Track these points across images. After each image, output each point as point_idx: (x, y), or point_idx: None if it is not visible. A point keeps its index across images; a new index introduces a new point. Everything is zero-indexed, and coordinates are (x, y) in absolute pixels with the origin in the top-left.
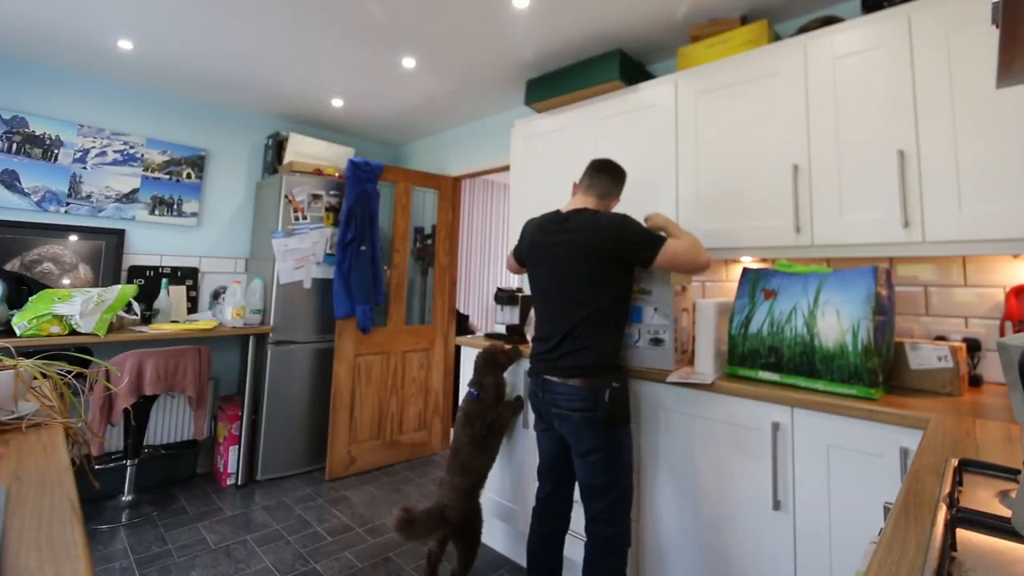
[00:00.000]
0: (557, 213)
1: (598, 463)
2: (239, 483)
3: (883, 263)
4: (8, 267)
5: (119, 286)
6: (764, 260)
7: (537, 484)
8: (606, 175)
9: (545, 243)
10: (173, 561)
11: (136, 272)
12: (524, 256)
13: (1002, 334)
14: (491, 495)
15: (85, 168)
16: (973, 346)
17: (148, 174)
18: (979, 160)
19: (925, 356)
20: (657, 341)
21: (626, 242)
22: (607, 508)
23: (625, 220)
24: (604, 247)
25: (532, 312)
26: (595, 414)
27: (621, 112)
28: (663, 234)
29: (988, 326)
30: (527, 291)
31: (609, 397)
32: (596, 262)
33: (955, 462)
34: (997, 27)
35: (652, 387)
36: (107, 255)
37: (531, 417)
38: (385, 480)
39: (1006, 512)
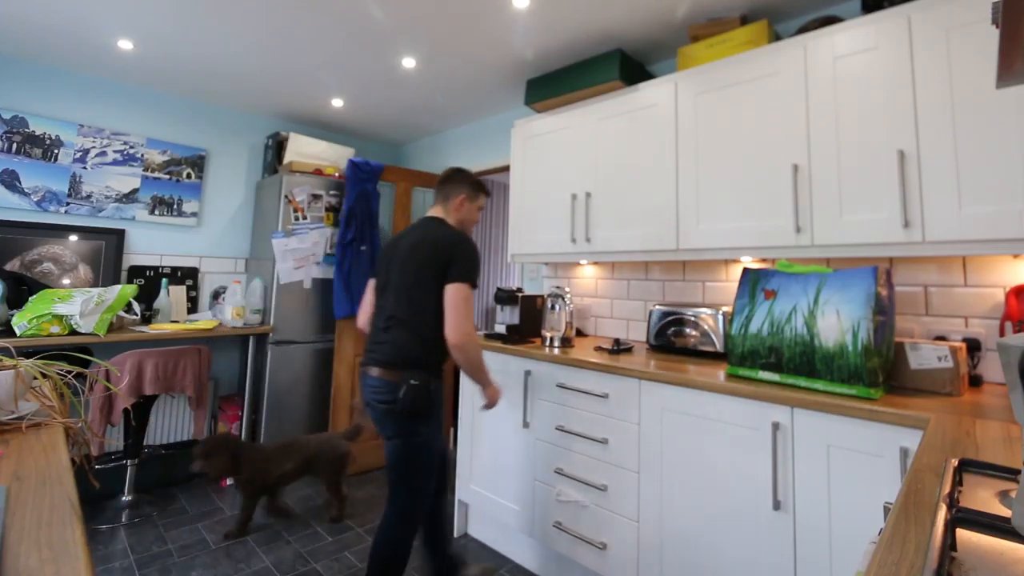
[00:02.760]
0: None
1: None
2: None
3: (883, 263)
4: (8, 267)
5: (119, 286)
6: (764, 260)
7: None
8: (445, 183)
9: (394, 245)
10: (173, 561)
11: (136, 272)
12: (379, 262)
13: (1002, 334)
14: (490, 495)
15: (85, 168)
16: (973, 346)
17: (148, 174)
18: (979, 160)
19: (925, 356)
20: None
21: (450, 262)
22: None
23: (461, 242)
24: (436, 258)
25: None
26: (392, 406)
27: (621, 112)
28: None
29: (988, 326)
30: (528, 291)
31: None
32: (427, 270)
33: (955, 462)
34: (997, 27)
35: (653, 387)
36: (107, 255)
37: (522, 417)
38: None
39: (1006, 512)
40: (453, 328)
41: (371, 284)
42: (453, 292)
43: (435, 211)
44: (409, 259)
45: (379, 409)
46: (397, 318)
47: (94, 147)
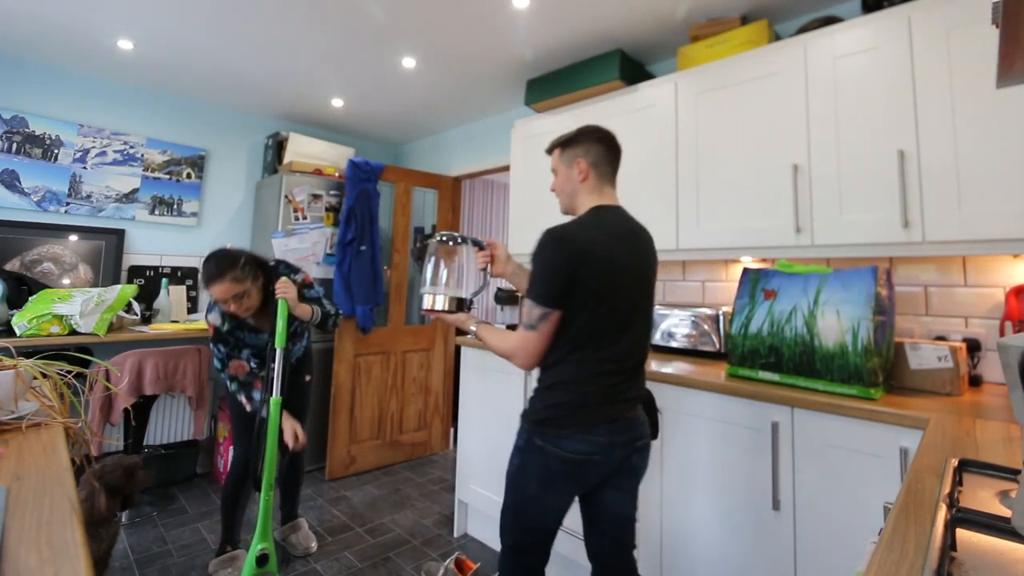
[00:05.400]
0: (618, 215)
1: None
2: None
3: (883, 263)
4: (8, 267)
5: (119, 286)
6: (764, 260)
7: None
8: (617, 150)
9: (630, 257)
10: (173, 561)
11: (136, 272)
12: (590, 281)
13: (1002, 334)
14: (491, 495)
15: (85, 168)
16: (973, 346)
17: (148, 174)
18: (979, 160)
19: (925, 356)
20: None
21: None
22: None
23: None
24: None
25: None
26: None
27: (621, 112)
28: None
29: (988, 326)
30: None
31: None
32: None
33: (955, 462)
34: (997, 27)
35: (653, 387)
36: (107, 255)
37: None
38: (385, 480)
39: (1006, 512)
40: None
41: (555, 316)
42: None
43: (613, 194)
44: (650, 279)
45: (646, 451)
46: (645, 351)
47: (94, 147)
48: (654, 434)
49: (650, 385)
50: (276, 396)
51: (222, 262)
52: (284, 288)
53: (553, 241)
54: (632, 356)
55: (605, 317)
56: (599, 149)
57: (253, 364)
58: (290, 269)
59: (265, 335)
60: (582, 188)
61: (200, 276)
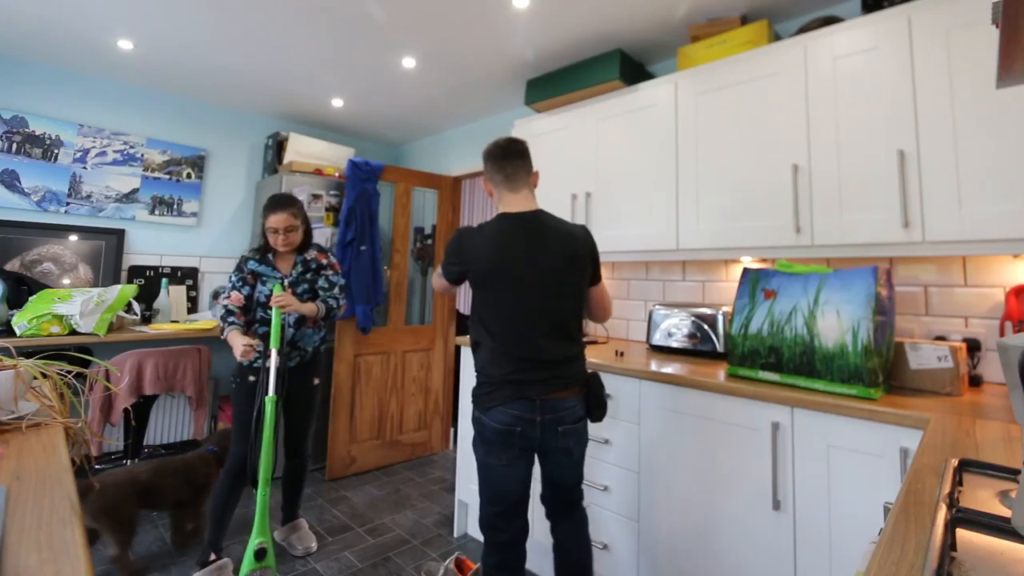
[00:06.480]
0: (517, 221)
1: (583, 457)
2: None
3: (883, 263)
4: (8, 267)
5: (119, 286)
6: (764, 260)
7: (501, 530)
8: (519, 157)
9: (526, 256)
10: (173, 561)
11: (136, 272)
12: (484, 274)
13: (1002, 334)
14: None
15: (85, 168)
16: (973, 346)
17: (148, 174)
18: (979, 160)
19: (925, 356)
20: None
21: (595, 259)
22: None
23: (589, 232)
24: (585, 256)
25: (483, 343)
26: (587, 416)
27: (621, 112)
28: None
29: (988, 326)
30: None
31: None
32: (581, 272)
33: (955, 462)
34: (997, 27)
35: (654, 387)
36: (107, 255)
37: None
38: (385, 480)
39: (1006, 512)
40: (608, 313)
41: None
42: (603, 289)
43: (528, 198)
44: (564, 278)
45: (577, 428)
46: (568, 344)
47: (94, 147)
48: (595, 416)
49: (651, 385)
50: (271, 395)
51: (285, 199)
52: (279, 300)
53: (454, 237)
54: (547, 353)
55: (506, 322)
56: (488, 166)
57: (258, 315)
58: (329, 251)
59: (279, 274)
60: (495, 202)
61: (263, 209)
